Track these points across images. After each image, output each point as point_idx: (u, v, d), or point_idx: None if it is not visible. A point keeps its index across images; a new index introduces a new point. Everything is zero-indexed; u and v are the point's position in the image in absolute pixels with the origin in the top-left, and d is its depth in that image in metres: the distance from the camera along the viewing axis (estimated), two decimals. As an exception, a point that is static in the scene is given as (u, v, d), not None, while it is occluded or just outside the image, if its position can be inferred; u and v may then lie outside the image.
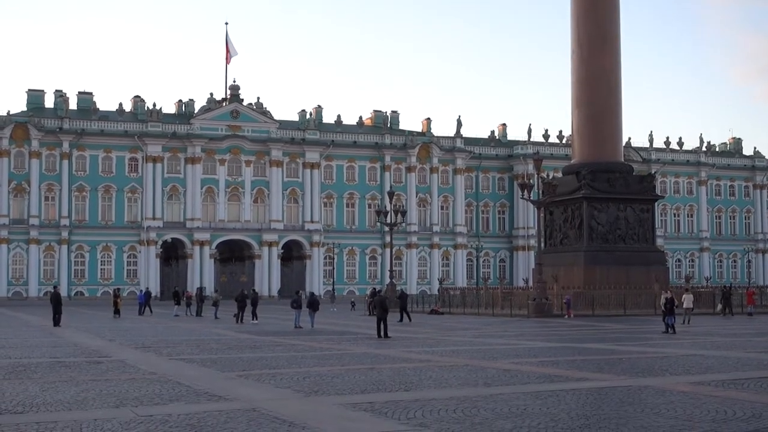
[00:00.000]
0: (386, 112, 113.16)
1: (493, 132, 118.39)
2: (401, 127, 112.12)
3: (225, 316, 49.32)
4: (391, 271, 70.91)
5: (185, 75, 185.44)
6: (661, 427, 11.62)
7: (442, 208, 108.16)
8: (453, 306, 61.12)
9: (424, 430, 11.57)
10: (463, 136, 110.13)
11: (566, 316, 48.00)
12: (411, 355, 23.74)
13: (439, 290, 73.00)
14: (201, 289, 71.07)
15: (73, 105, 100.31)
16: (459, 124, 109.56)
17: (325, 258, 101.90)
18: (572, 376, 18.05)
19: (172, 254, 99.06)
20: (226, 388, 16.11)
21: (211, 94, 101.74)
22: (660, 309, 36.57)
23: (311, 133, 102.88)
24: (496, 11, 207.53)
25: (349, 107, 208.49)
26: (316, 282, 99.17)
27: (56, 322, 40.77)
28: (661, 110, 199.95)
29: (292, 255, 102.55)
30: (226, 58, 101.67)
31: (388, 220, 68.94)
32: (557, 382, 17.02)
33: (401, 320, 44.86)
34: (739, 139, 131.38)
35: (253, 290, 56.17)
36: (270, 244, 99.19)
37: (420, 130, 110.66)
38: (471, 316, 53.19)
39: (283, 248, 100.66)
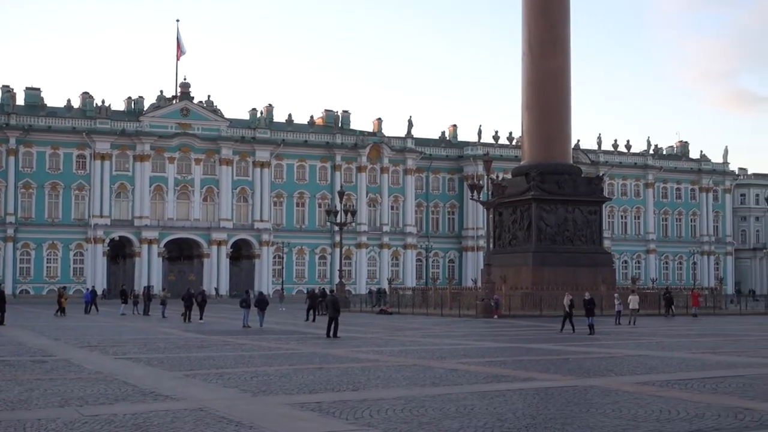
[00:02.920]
0: (337, 112, 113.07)
1: (443, 133, 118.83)
2: (352, 126, 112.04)
3: (173, 315, 48.97)
4: (340, 270, 70.86)
5: (135, 72, 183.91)
6: (606, 427, 11.74)
7: (392, 208, 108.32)
8: (402, 306, 61.22)
9: (371, 430, 11.58)
10: (414, 136, 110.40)
11: (495, 316, 48.08)
12: (359, 354, 23.75)
13: (379, 290, 73.30)
14: (148, 288, 70.47)
15: (20, 101, 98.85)
16: (410, 124, 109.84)
17: (274, 257, 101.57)
18: (519, 376, 18.17)
19: (120, 252, 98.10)
20: (173, 388, 16.01)
21: (161, 92, 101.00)
22: (564, 310, 36.99)
23: (262, 132, 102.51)
24: (447, 13, 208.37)
25: (300, 106, 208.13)
26: (265, 281, 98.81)
27: (0, 320, 40.20)
28: (610, 113, 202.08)
29: (242, 254, 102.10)
30: (177, 56, 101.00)
31: (338, 220, 68.89)
32: (504, 382, 17.12)
33: (307, 319, 45.05)
34: (686, 142, 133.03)
35: (190, 290, 54.21)
36: (219, 243, 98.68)
37: (371, 130, 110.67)
38: (420, 316, 53.31)
39: (232, 247, 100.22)
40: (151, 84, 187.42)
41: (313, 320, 44.74)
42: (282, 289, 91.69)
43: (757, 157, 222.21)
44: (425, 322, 45.48)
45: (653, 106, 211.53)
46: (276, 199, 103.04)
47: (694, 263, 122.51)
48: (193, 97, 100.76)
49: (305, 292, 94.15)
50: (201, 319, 44.64)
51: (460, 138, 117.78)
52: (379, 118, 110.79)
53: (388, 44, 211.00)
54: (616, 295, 46.54)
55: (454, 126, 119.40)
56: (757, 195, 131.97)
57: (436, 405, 13.68)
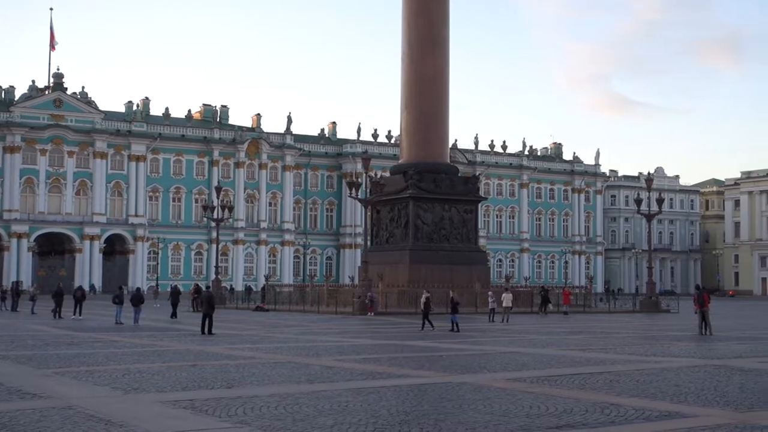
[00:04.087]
0: (216, 107, 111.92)
1: (323, 130, 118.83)
2: (231, 122, 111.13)
3: (42, 312, 47.73)
4: (217, 267, 70.26)
5: (6, 61, 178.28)
6: (477, 423, 11.91)
7: (270, 204, 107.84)
8: (279, 303, 60.96)
9: (244, 427, 11.50)
10: (293, 133, 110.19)
11: (370, 313, 48.36)
12: (234, 352, 23.56)
13: (264, 287, 72.83)
14: (17, 283, 68.41)
15: None
16: (289, 120, 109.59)
17: (149, 253, 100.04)
18: (394, 372, 18.29)
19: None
20: (41, 386, 15.60)
21: (33, 82, 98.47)
22: (420, 307, 37.57)
23: (138, 125, 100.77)
24: (328, 10, 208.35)
25: (177, 100, 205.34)
26: (139, 277, 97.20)
27: None
28: (487, 114, 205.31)
29: (115, 249, 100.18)
30: (51, 45, 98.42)
31: (215, 216, 68.25)
32: (379, 378, 17.20)
33: (172, 316, 44.49)
34: (560, 144, 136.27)
35: (60, 285, 52.80)
36: (92, 238, 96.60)
37: (250, 126, 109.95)
38: (297, 313, 53.18)
39: (105, 242, 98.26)
40: (23, 73, 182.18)
41: (172, 316, 44.24)
42: (157, 285, 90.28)
43: (627, 159, 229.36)
44: (302, 319, 45.40)
45: (529, 108, 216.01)
46: (152, 194, 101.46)
47: (566, 262, 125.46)
48: (66, 88, 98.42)
49: (181, 288, 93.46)
50: (80, 315, 43.20)
51: (340, 135, 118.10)
52: (258, 114, 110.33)
53: (267, 40, 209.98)
54: (490, 293, 47.26)
55: (334, 123, 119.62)
56: (627, 197, 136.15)
57: (310, 402, 13.67)
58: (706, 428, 11.64)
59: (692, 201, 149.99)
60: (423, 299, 37.21)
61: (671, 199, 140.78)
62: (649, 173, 73.38)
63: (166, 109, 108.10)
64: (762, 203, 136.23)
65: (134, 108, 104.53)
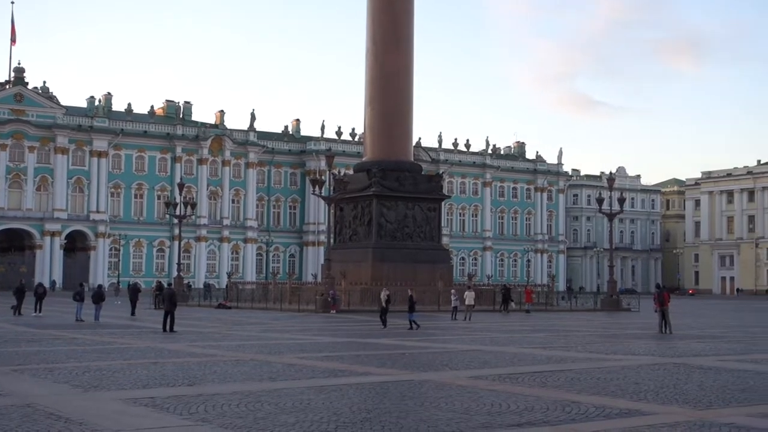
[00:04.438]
0: (179, 103, 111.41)
1: (286, 127, 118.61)
2: (194, 118, 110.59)
3: (2, 308, 47.23)
4: (179, 264, 69.85)
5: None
6: (439, 420, 11.93)
7: (233, 201, 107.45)
8: (242, 300, 60.69)
9: (205, 425, 11.45)
10: (257, 129, 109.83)
11: (332, 311, 48.37)
12: (196, 349, 23.46)
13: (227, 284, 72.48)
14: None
15: None
16: (253, 117, 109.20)
17: (110, 249, 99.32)
18: (356, 370, 18.29)
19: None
20: (0, 383, 15.43)
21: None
22: (381, 305, 37.51)
23: (100, 121, 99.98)
24: (292, 6, 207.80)
25: (140, 96, 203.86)
26: (100, 274, 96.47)
27: None
28: (451, 112, 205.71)
29: (77, 246, 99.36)
30: (11, 39, 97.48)
31: (178, 212, 67.86)
32: (341, 376, 17.19)
33: (132, 314, 43.95)
34: (523, 143, 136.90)
35: (22, 281, 51.94)
36: (52, 234, 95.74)
37: (213, 122, 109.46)
38: (259, 310, 53.02)
39: (66, 238, 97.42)
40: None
41: (132, 314, 43.74)
42: (118, 282, 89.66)
43: (589, 159, 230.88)
44: (264, 316, 45.29)
45: (493, 107, 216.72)
46: (113, 190, 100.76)
47: (528, 261, 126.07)
48: (27, 83, 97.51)
49: (143, 286, 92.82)
50: (40, 312, 42.56)
51: (303, 133, 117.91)
52: (222, 110, 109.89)
53: (231, 36, 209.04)
54: (452, 291, 47.34)
55: (297, 120, 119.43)
56: (589, 196, 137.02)
57: (272, 400, 13.64)
58: (666, 426, 11.74)
59: (653, 200, 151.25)
60: (383, 296, 37.20)
61: (633, 199, 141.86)
62: (611, 173, 73.80)
63: (129, 104, 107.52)
64: (722, 203, 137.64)
65: (96, 103, 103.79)
